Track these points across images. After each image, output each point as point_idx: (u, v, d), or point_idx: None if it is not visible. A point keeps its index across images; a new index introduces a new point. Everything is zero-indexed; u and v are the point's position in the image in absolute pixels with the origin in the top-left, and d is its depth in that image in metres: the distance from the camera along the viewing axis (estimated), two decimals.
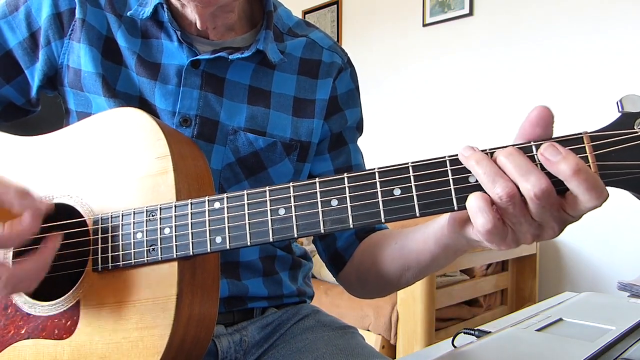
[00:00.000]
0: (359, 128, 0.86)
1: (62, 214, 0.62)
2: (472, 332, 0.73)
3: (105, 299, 0.57)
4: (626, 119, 0.42)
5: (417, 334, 1.82)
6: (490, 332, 0.70)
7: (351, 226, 0.48)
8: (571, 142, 0.43)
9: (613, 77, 2.30)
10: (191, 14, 0.71)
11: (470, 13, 2.80)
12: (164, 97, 0.70)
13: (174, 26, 0.70)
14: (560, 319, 0.75)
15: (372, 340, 1.94)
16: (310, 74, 0.79)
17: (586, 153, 0.42)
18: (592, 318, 0.74)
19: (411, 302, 1.83)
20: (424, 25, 3.00)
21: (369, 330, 1.98)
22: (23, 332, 0.59)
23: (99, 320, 0.57)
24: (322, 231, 0.49)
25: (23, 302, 0.61)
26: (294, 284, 0.83)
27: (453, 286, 2.06)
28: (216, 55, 0.70)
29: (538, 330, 0.70)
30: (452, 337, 0.73)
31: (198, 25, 0.71)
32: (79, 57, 0.70)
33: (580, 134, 0.43)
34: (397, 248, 0.68)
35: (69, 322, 0.58)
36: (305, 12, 3.67)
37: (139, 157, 0.59)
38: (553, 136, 0.44)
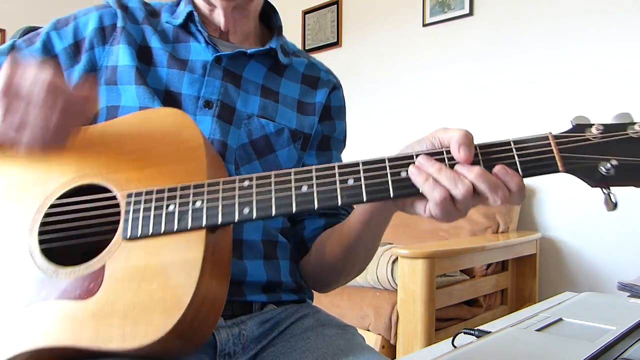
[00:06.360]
0: (344, 140, 0.98)
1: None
2: (472, 332, 0.73)
3: (131, 262, 0.59)
4: (577, 128, 0.58)
5: (417, 334, 1.81)
6: (490, 332, 0.71)
7: (364, 199, 0.57)
8: (539, 139, 0.57)
9: (614, 76, 2.30)
10: (217, 17, 0.87)
11: (470, 13, 2.80)
12: (190, 84, 0.81)
13: (202, 27, 0.83)
14: (560, 319, 0.75)
15: (372, 340, 1.94)
16: (311, 85, 0.93)
17: (552, 147, 0.56)
18: (592, 318, 0.74)
19: (411, 302, 1.83)
20: (424, 25, 3.00)
21: (369, 330, 1.98)
22: (43, 294, 0.59)
23: (122, 282, 0.58)
24: (340, 203, 0.57)
25: (46, 267, 0.61)
26: (293, 277, 0.83)
27: (453, 286, 2.06)
28: (236, 51, 0.83)
29: (538, 330, 0.70)
30: (452, 337, 0.74)
31: (222, 27, 0.87)
32: (117, 55, 0.81)
33: (546, 134, 0.57)
34: (337, 232, 0.81)
35: (92, 284, 0.59)
36: (305, 12, 3.67)
37: (173, 148, 0.65)
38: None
